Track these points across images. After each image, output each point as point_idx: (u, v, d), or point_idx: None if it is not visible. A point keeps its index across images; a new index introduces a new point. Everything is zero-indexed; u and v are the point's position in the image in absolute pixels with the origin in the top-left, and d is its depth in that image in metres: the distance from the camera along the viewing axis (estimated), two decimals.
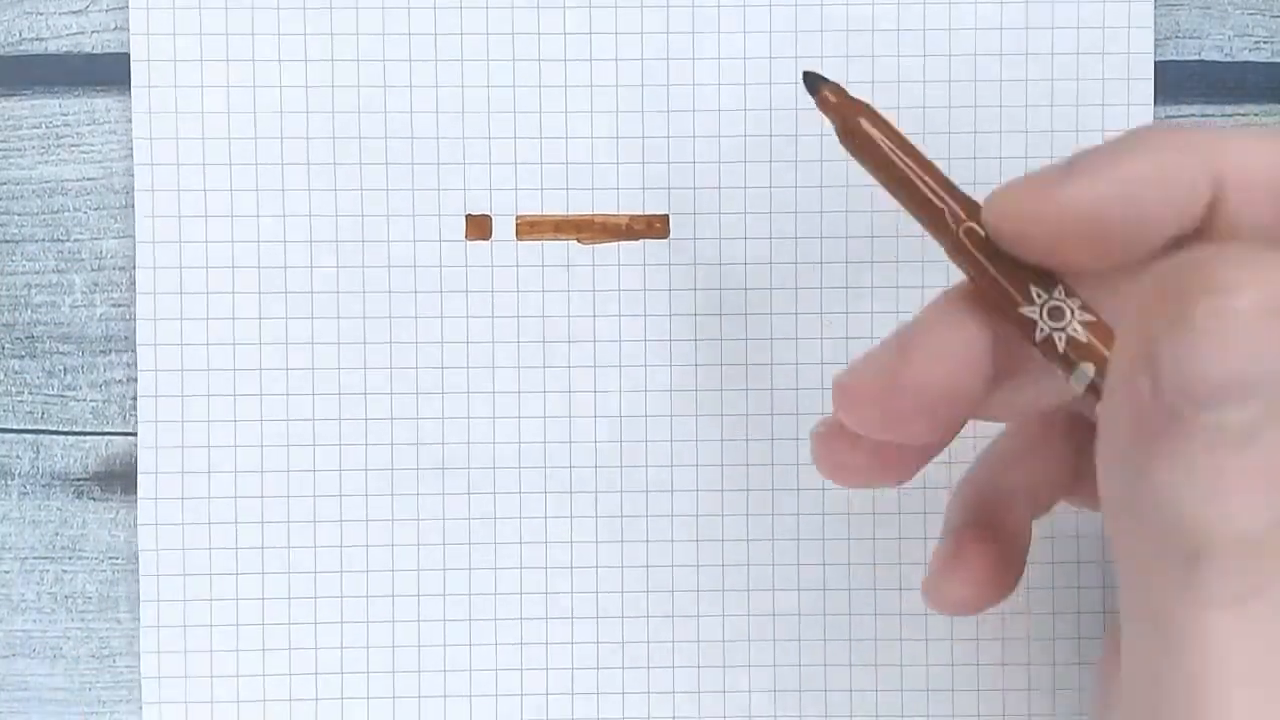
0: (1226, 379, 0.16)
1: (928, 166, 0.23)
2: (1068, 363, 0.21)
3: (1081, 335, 0.21)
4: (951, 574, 0.25)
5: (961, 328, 0.22)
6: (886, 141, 0.24)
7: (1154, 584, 0.18)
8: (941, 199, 0.22)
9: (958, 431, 0.24)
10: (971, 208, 0.23)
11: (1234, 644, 0.17)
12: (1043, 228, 0.20)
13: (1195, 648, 0.17)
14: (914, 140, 0.24)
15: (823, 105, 0.25)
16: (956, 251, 0.22)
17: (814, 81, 0.25)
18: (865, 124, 0.24)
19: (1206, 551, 0.17)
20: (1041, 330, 0.21)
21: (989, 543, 0.25)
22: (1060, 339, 0.21)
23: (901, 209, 0.24)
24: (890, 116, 0.31)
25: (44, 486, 0.32)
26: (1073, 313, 0.21)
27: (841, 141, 0.24)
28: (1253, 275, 0.16)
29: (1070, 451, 0.26)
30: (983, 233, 0.22)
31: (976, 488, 0.27)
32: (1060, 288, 0.21)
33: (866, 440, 0.24)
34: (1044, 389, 0.24)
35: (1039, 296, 0.21)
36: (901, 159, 0.23)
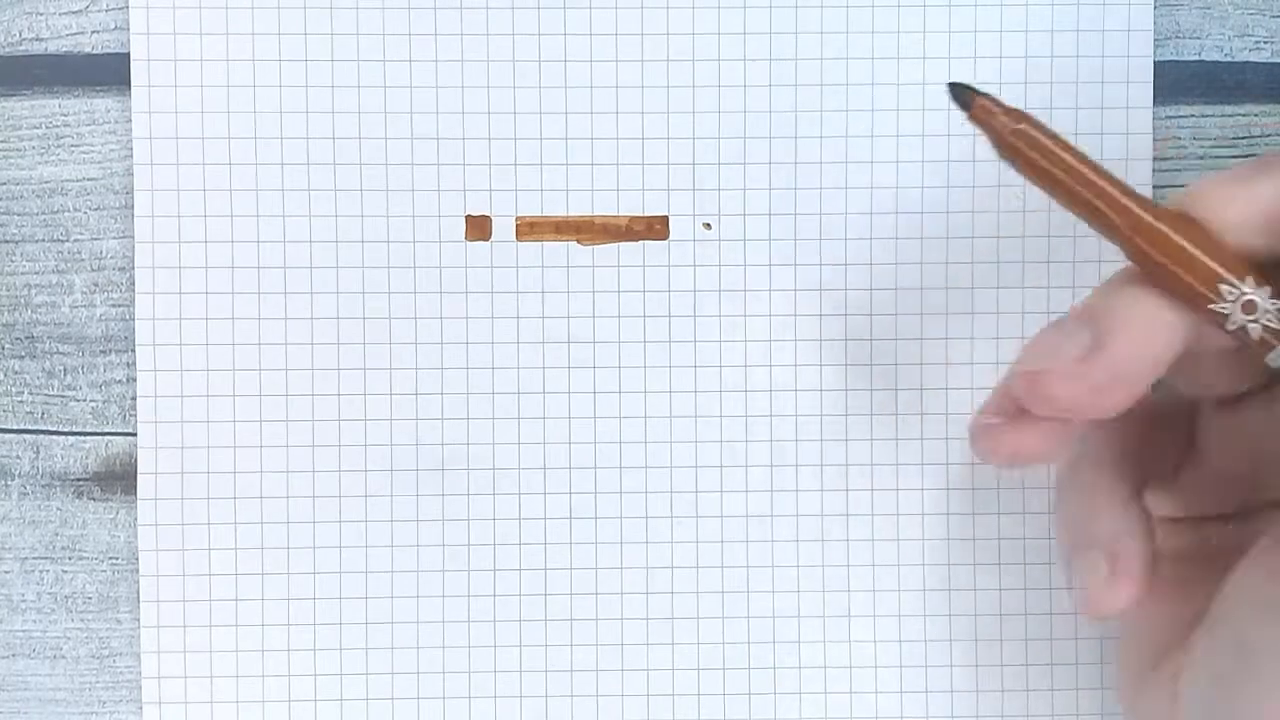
0: None
1: (1099, 171, 0.23)
2: (1266, 345, 0.21)
3: (1276, 324, 0.21)
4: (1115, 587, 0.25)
5: (1160, 310, 0.22)
6: (1057, 151, 0.23)
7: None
8: (1122, 204, 0.22)
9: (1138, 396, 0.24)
10: (1147, 207, 0.22)
11: None
12: (1246, 216, 0.21)
13: None
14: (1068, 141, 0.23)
15: (978, 119, 0.23)
16: (1140, 256, 0.22)
17: (964, 94, 0.23)
18: (1032, 133, 0.23)
19: None
20: (1234, 322, 0.21)
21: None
22: (1255, 329, 0.21)
23: (1058, 209, 0.23)
24: (890, 118, 0.31)
25: (44, 486, 0.32)
26: (1264, 302, 0.21)
27: (1001, 155, 0.23)
28: None
29: (1169, 444, 0.27)
30: (1167, 232, 0.22)
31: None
32: (1249, 278, 0.21)
33: (1034, 426, 0.24)
34: (1219, 366, 0.25)
35: (1231, 293, 0.21)
36: (1074, 166, 0.23)
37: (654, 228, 0.32)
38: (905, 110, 0.31)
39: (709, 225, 0.32)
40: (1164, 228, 0.22)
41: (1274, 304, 0.21)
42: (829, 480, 0.32)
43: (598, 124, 0.32)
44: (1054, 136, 0.23)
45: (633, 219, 0.32)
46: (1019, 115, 0.23)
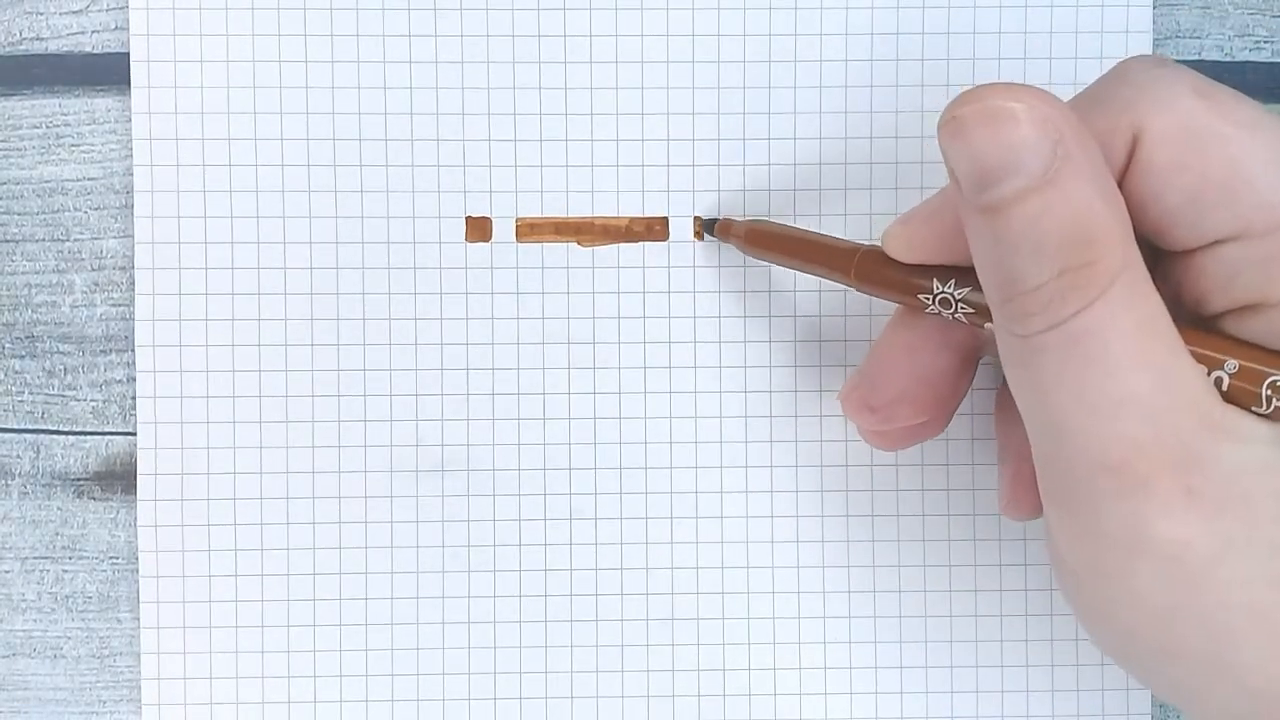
0: (978, 169, 0.21)
1: (818, 237, 0.28)
2: (975, 324, 0.25)
3: (972, 305, 0.24)
4: (1015, 496, 0.28)
5: (908, 331, 0.27)
6: (781, 231, 0.29)
7: (998, 324, 0.22)
8: (843, 251, 0.27)
9: (961, 390, 0.28)
10: (857, 250, 0.27)
11: (1049, 363, 0.21)
12: (919, 245, 0.25)
13: (1029, 367, 0.22)
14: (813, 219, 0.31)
15: (722, 235, 0.31)
16: (862, 286, 0.26)
17: (710, 225, 0.31)
18: (761, 228, 0.30)
19: (1012, 300, 0.21)
20: (947, 316, 0.25)
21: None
22: (962, 316, 0.25)
23: (805, 270, 0.28)
24: (889, 120, 0.31)
25: (44, 486, 0.32)
26: (952, 290, 0.25)
27: (747, 251, 0.30)
28: (979, 94, 0.21)
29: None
30: (876, 264, 0.26)
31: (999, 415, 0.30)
32: (934, 280, 0.25)
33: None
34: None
35: (926, 299, 0.25)
36: (799, 237, 0.29)
37: (654, 229, 0.32)
38: (904, 112, 0.31)
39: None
40: (871, 264, 0.26)
41: (960, 293, 0.24)
42: (829, 481, 0.32)
43: (598, 125, 0.32)
44: (776, 224, 0.30)
45: (633, 220, 0.32)
46: (750, 221, 0.30)
